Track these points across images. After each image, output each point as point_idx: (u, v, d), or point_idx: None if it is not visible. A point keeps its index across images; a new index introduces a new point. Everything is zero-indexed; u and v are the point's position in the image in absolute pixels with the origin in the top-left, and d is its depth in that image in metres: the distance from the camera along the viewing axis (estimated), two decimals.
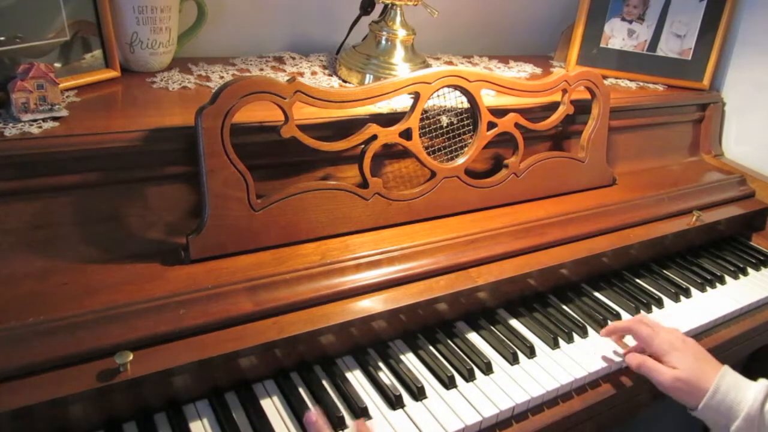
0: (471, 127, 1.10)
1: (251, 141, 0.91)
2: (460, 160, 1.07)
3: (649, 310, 1.14)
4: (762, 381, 0.88)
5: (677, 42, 1.53)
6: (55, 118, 0.86)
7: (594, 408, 0.95)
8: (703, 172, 1.50)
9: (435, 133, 1.07)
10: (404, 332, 0.98)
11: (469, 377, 0.90)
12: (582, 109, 1.23)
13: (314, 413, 0.75)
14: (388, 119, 1.02)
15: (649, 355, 0.95)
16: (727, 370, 0.90)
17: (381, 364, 0.91)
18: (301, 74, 1.21)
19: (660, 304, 1.16)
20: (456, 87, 1.05)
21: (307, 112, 0.96)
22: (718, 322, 1.15)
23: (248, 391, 0.83)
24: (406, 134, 1.01)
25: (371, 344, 0.94)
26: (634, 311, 1.12)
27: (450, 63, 1.44)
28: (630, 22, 1.53)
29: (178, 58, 1.20)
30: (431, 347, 0.96)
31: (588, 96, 1.24)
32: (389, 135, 0.99)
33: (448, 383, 0.89)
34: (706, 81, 1.54)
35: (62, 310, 0.73)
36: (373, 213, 1.00)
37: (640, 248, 1.24)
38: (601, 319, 1.07)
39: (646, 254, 1.28)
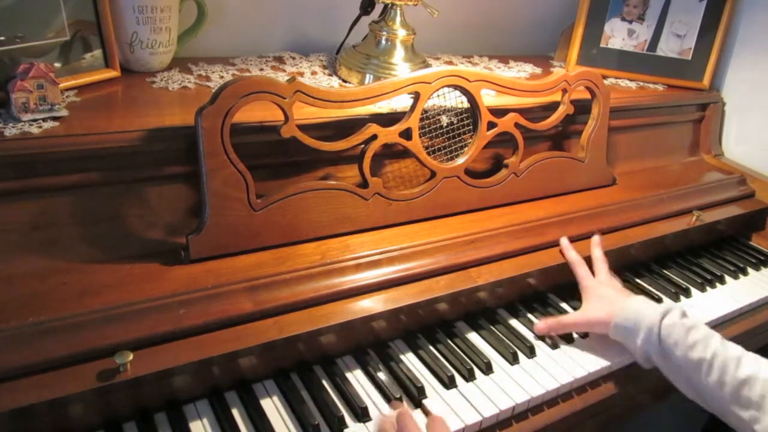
0: (471, 127, 1.10)
1: (251, 141, 0.91)
2: (460, 160, 1.07)
3: None
4: (666, 301, 0.95)
5: (677, 42, 1.54)
6: (55, 118, 0.86)
7: (594, 408, 0.95)
8: (703, 171, 1.50)
9: (435, 133, 1.07)
10: (404, 332, 0.98)
11: (469, 377, 0.90)
12: (582, 109, 1.23)
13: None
14: (388, 119, 1.02)
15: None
16: (639, 297, 0.98)
17: (381, 365, 0.91)
18: (301, 74, 1.21)
19: (659, 303, 1.15)
20: (456, 87, 1.05)
21: (307, 112, 0.96)
22: (718, 322, 1.15)
23: (248, 391, 0.83)
24: (406, 134, 1.01)
25: (371, 344, 0.94)
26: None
27: (450, 63, 1.44)
28: (630, 22, 1.53)
29: (178, 58, 1.20)
30: (431, 347, 0.96)
31: (588, 96, 1.24)
32: (389, 135, 0.99)
33: (448, 383, 0.89)
34: (706, 81, 1.54)
35: (62, 310, 0.73)
36: (373, 213, 1.00)
37: (640, 248, 1.24)
38: None
39: (646, 254, 1.28)
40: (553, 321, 1.01)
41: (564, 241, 1.10)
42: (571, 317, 1.01)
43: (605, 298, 1.00)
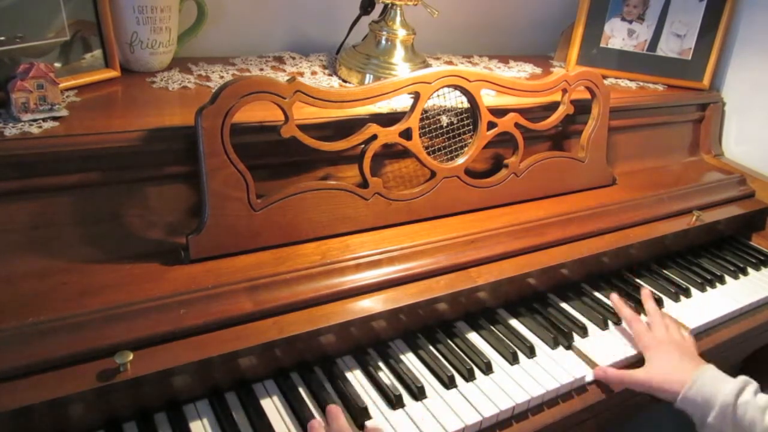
0: (471, 127, 1.10)
1: (251, 141, 0.91)
2: (460, 160, 1.07)
3: None
4: (741, 377, 0.90)
5: (677, 42, 1.54)
6: (55, 118, 0.86)
7: (594, 408, 0.95)
8: (703, 171, 1.50)
9: (435, 133, 1.07)
10: (404, 332, 0.98)
11: (469, 377, 0.90)
12: (582, 109, 1.23)
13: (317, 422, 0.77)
14: (388, 119, 1.02)
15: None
16: (709, 366, 0.93)
17: (381, 364, 0.91)
18: (301, 74, 1.21)
19: (660, 304, 1.15)
20: (456, 87, 1.05)
21: (307, 112, 0.96)
22: (718, 322, 1.15)
23: (248, 391, 0.83)
24: (406, 134, 1.01)
25: (371, 344, 0.94)
26: (635, 311, 1.12)
27: (450, 63, 1.44)
28: (630, 22, 1.53)
29: (178, 58, 1.20)
30: (431, 347, 0.96)
31: (588, 96, 1.24)
32: (389, 135, 0.99)
33: (448, 383, 0.89)
34: (706, 81, 1.54)
35: (62, 310, 0.73)
36: (373, 213, 1.00)
37: (640, 248, 1.24)
38: (601, 319, 1.07)
39: (646, 254, 1.28)
40: (614, 373, 0.96)
41: (615, 297, 1.08)
42: (635, 375, 0.95)
43: (671, 362, 0.95)
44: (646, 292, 1.12)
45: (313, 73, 1.23)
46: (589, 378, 0.96)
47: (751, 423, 0.86)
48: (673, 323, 1.04)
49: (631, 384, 0.95)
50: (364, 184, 0.98)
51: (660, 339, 1.00)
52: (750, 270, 1.32)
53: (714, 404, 0.88)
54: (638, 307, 1.13)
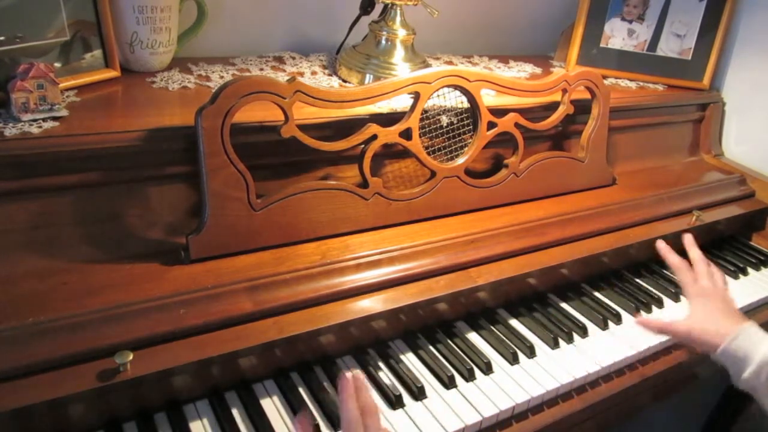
0: (471, 126, 1.10)
1: (251, 141, 0.91)
2: (460, 160, 1.07)
3: (649, 309, 1.14)
4: None
5: (677, 42, 1.53)
6: (55, 118, 0.86)
7: (594, 408, 0.95)
8: (702, 171, 1.50)
9: (435, 133, 1.07)
10: (404, 332, 0.98)
11: (469, 377, 0.91)
12: (582, 109, 1.23)
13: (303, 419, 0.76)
14: (388, 119, 1.02)
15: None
16: (752, 323, 0.93)
17: (381, 364, 0.91)
18: (301, 74, 1.21)
19: (660, 303, 1.16)
20: (456, 87, 1.05)
21: (307, 112, 0.96)
22: None
23: (248, 391, 0.83)
24: (406, 134, 1.01)
25: (371, 344, 0.94)
26: (634, 311, 1.12)
27: (450, 63, 1.44)
28: (630, 21, 1.53)
29: (178, 58, 1.19)
30: (431, 347, 0.96)
31: (588, 96, 1.24)
32: (389, 135, 0.99)
33: (448, 383, 0.89)
34: (706, 81, 1.54)
35: (62, 310, 0.73)
36: (373, 213, 1.00)
37: (640, 248, 1.24)
38: (601, 319, 1.07)
39: (646, 254, 1.27)
40: (656, 320, 0.98)
41: (662, 245, 1.08)
42: (675, 325, 0.96)
43: (714, 313, 0.96)
44: (689, 238, 1.10)
45: (313, 73, 1.23)
46: (591, 377, 0.96)
47: None
48: (718, 272, 1.05)
49: (672, 333, 0.97)
50: (364, 184, 0.98)
51: (704, 290, 1.00)
52: (750, 270, 1.32)
53: (752, 360, 0.88)
54: (640, 306, 1.13)
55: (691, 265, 1.06)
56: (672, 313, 1.13)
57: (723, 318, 0.95)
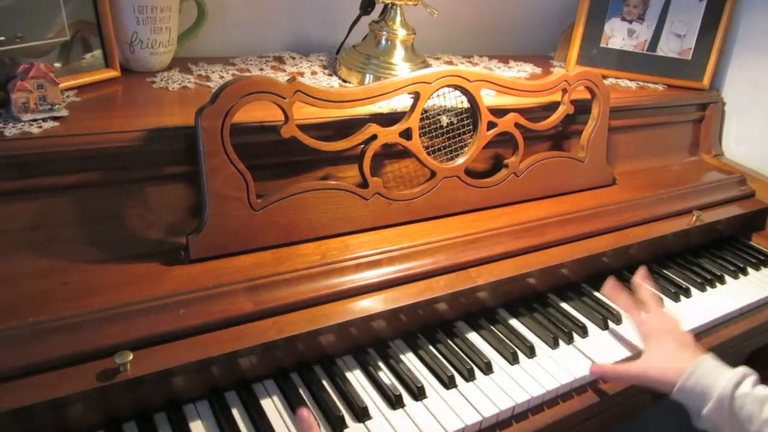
0: (471, 127, 1.10)
1: (251, 141, 0.91)
2: (460, 160, 1.07)
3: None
4: (740, 367, 0.86)
5: (677, 42, 1.53)
6: (55, 118, 0.86)
7: (594, 408, 0.95)
8: (702, 171, 1.50)
9: (435, 133, 1.07)
10: (404, 332, 0.98)
11: (469, 377, 0.91)
12: (582, 109, 1.23)
13: (306, 410, 0.75)
14: (388, 119, 1.02)
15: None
16: (708, 355, 0.89)
17: (381, 364, 0.91)
18: (301, 74, 1.21)
19: (660, 303, 1.16)
20: (456, 87, 1.05)
21: (307, 112, 0.96)
22: (718, 321, 1.15)
23: (248, 391, 0.83)
24: (406, 134, 1.01)
25: (371, 344, 0.94)
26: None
27: (450, 63, 1.44)
28: (630, 21, 1.53)
29: (178, 58, 1.20)
30: (431, 347, 0.96)
31: (588, 96, 1.24)
32: (389, 135, 0.99)
33: (448, 383, 0.89)
34: (706, 81, 1.54)
35: (62, 310, 0.73)
36: (373, 213, 1.00)
37: (639, 248, 1.24)
38: (601, 319, 1.07)
39: (645, 254, 1.28)
40: (610, 368, 0.94)
41: (608, 287, 1.04)
42: (631, 369, 0.93)
43: (668, 352, 0.91)
44: (637, 280, 1.06)
45: (313, 73, 1.23)
46: (590, 378, 0.96)
47: (748, 415, 0.81)
48: (668, 312, 1.02)
49: (628, 378, 0.94)
50: (364, 184, 0.98)
51: (655, 328, 0.96)
52: (750, 270, 1.32)
53: (711, 395, 0.83)
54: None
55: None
56: (672, 312, 1.13)
57: (678, 354, 0.90)
